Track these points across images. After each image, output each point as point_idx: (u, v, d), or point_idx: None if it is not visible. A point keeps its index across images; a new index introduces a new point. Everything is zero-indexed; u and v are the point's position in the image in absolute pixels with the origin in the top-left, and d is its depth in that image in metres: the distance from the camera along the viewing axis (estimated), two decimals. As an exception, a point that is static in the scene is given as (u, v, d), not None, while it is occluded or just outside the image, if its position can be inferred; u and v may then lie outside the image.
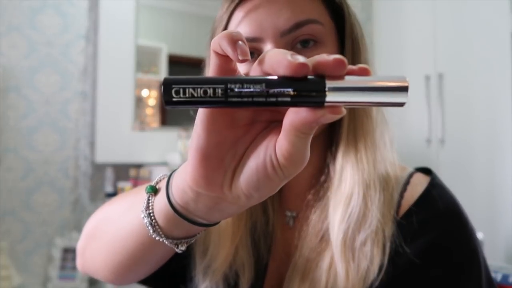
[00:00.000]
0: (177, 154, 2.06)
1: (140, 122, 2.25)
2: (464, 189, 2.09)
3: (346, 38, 0.51)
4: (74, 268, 1.95)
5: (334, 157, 0.50)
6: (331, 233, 0.47)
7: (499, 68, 1.99)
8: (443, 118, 2.24)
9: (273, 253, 0.55)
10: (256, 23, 0.48)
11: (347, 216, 0.46)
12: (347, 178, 0.47)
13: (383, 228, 0.45)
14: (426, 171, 0.54)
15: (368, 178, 0.46)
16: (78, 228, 2.04)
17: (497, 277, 0.60)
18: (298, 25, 0.47)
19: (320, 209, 0.50)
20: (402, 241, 0.45)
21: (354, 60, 0.51)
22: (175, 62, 2.33)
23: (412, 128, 2.43)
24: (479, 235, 1.36)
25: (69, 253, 1.97)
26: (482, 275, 0.45)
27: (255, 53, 0.49)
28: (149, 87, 2.34)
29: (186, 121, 2.21)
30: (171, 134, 2.17)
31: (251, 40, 0.48)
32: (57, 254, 1.97)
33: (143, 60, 2.29)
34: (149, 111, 2.34)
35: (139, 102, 2.28)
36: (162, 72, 2.34)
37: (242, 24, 0.49)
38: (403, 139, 2.41)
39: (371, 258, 0.44)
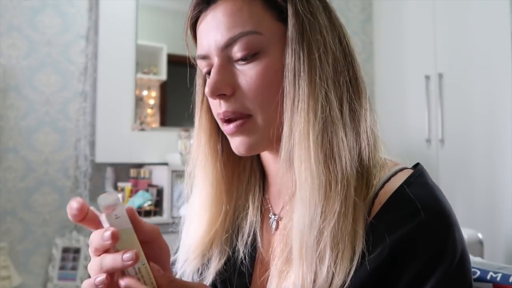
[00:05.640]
0: (177, 154, 2.06)
1: (140, 122, 2.25)
2: (464, 189, 2.09)
3: (286, 43, 0.48)
4: (74, 268, 1.95)
5: (289, 164, 0.48)
6: (292, 242, 0.46)
7: (499, 68, 1.99)
8: (443, 118, 2.24)
9: (257, 261, 0.56)
10: (203, 42, 0.51)
11: (301, 224, 0.45)
12: (302, 184, 0.46)
13: (349, 231, 0.44)
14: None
15: (323, 182, 0.45)
16: (78, 228, 2.04)
17: (497, 277, 0.60)
18: (232, 40, 0.48)
19: (288, 217, 0.49)
20: (372, 241, 0.44)
21: (297, 62, 0.47)
22: (175, 62, 2.33)
23: (411, 128, 2.43)
24: (479, 235, 1.36)
25: (69, 253, 1.98)
26: (454, 274, 0.43)
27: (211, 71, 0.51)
28: (149, 87, 2.34)
29: (186, 121, 2.21)
30: (171, 134, 2.17)
31: (202, 57, 0.52)
32: (57, 254, 1.97)
33: (143, 60, 2.29)
34: (149, 111, 2.34)
35: (139, 102, 2.28)
36: (162, 72, 2.34)
37: (197, 42, 0.53)
38: (403, 139, 2.42)
39: (332, 264, 0.43)
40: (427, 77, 2.33)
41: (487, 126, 2.04)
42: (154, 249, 0.44)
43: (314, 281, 0.43)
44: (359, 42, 2.74)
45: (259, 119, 0.49)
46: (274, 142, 0.50)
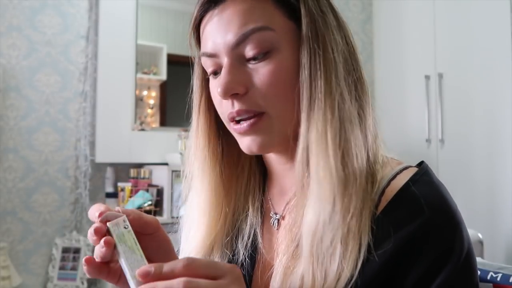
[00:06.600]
0: (177, 154, 2.06)
1: (140, 122, 2.25)
2: (464, 189, 2.09)
3: (301, 42, 0.48)
4: (74, 268, 1.95)
5: (306, 162, 0.49)
6: (301, 238, 0.46)
7: (499, 68, 1.99)
8: (443, 118, 2.24)
9: (258, 262, 0.55)
10: (210, 40, 0.50)
11: (316, 222, 0.45)
12: (320, 182, 0.46)
13: (358, 225, 0.44)
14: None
15: (342, 179, 0.45)
16: (78, 228, 2.04)
17: (497, 277, 0.60)
18: (245, 36, 0.47)
19: (296, 214, 0.49)
20: (379, 237, 0.44)
21: (313, 61, 0.48)
22: (175, 62, 2.33)
23: (411, 128, 2.43)
24: (479, 235, 1.36)
25: (69, 253, 1.98)
26: (459, 273, 0.44)
27: (218, 70, 0.51)
28: (149, 87, 2.34)
29: (186, 121, 2.21)
30: (171, 134, 2.17)
31: (209, 55, 0.51)
32: (57, 254, 1.97)
33: (143, 60, 2.29)
34: (149, 111, 2.34)
35: (139, 102, 2.28)
36: (162, 72, 2.34)
37: (202, 40, 0.52)
38: (403, 139, 2.42)
39: (342, 259, 0.43)
40: (427, 77, 2.33)
41: (487, 126, 2.04)
42: (154, 241, 0.47)
43: (325, 278, 0.43)
44: (359, 42, 2.74)
45: (273, 116, 0.49)
46: (288, 141, 0.50)
